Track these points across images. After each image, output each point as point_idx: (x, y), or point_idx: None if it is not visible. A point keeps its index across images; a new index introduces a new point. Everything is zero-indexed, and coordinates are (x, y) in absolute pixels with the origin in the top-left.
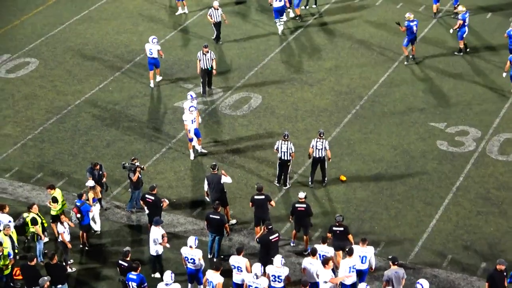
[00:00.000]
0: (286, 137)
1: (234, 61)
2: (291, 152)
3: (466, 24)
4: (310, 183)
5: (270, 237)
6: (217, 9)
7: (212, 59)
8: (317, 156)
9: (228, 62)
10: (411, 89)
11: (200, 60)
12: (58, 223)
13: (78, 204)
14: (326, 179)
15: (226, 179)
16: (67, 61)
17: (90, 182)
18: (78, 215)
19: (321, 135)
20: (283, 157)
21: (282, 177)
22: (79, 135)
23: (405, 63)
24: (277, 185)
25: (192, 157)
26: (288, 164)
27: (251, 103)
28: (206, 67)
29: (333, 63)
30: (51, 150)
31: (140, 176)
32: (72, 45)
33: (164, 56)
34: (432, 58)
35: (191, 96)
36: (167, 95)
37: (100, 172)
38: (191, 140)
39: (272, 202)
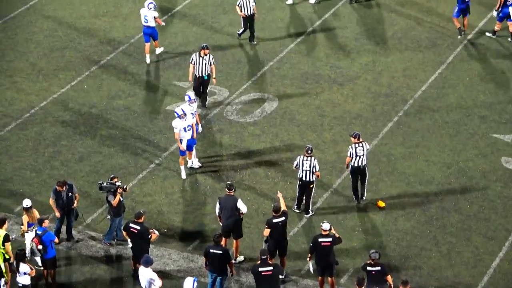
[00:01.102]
0: (309, 152)
1: (243, 53)
2: (315, 170)
3: (508, 2)
4: (354, 198)
5: (260, 269)
6: (250, 1)
7: (210, 65)
8: (357, 165)
9: (236, 54)
10: (469, 90)
11: (194, 64)
12: (21, 263)
13: (39, 232)
14: (365, 194)
15: (241, 206)
16: (31, 51)
17: (26, 202)
18: (40, 247)
19: (358, 137)
20: (304, 177)
21: (304, 202)
22: (45, 146)
23: (459, 36)
24: (297, 211)
25: (183, 175)
26: (311, 186)
27: (264, 107)
28: (201, 75)
29: (370, 57)
30: (8, 165)
31: (121, 199)
32: (37, 30)
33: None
34: (500, 48)
35: (189, 97)
36: (157, 95)
37: (70, 194)
38: (183, 153)
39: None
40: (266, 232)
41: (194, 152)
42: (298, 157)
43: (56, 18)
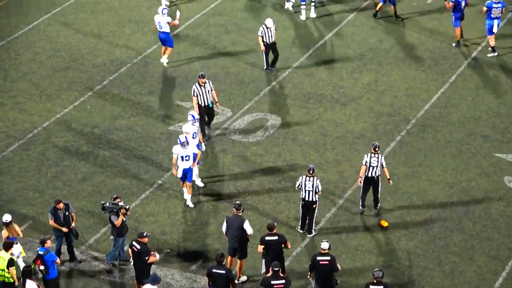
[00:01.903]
0: (311, 172)
1: (246, 73)
2: (317, 190)
3: (492, 15)
4: (361, 207)
5: (272, 282)
6: (270, 28)
7: (211, 91)
8: (371, 175)
9: (239, 74)
10: (472, 110)
11: (196, 95)
12: (27, 280)
13: (41, 252)
14: (379, 204)
15: (247, 228)
16: (34, 72)
17: (6, 216)
18: (42, 267)
19: (376, 149)
20: (307, 198)
21: (307, 222)
22: (48, 166)
23: (454, 44)
24: (300, 231)
25: (186, 196)
26: (314, 206)
27: (267, 127)
28: (206, 103)
29: (372, 76)
30: (11, 185)
31: (124, 219)
32: (40, 51)
33: (155, 69)
34: (503, 67)
35: (192, 117)
36: (160, 116)
37: (67, 213)
38: (182, 179)
39: (288, 244)
40: (260, 248)
41: (197, 171)
42: (301, 177)
43: (59, 39)
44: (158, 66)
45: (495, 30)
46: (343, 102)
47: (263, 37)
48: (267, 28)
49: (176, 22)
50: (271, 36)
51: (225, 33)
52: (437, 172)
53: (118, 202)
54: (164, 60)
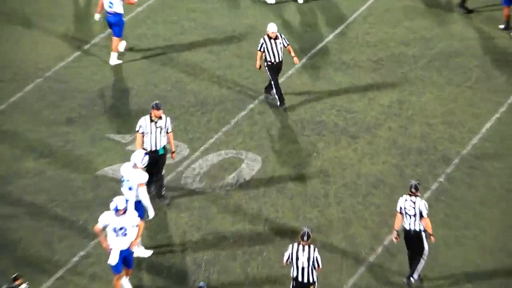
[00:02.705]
0: (305, 238)
1: (211, 92)
2: (316, 266)
3: None
4: (405, 279)
5: None
6: (275, 40)
7: (167, 132)
8: (408, 228)
9: (200, 93)
10: None
11: (142, 133)
12: None
13: None
14: (418, 275)
15: None
16: None
17: None
18: None
19: (413, 190)
20: (301, 277)
21: None
22: None
23: (501, 26)
24: None
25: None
26: None
27: (241, 171)
28: (155, 148)
29: (394, 95)
30: None
31: None
32: None
33: (76, 86)
34: None
35: (139, 158)
36: (84, 154)
37: None
38: (116, 269)
39: None
40: None
41: (139, 239)
42: (290, 246)
43: None
44: (81, 82)
45: None
46: (353, 134)
47: (264, 52)
48: (270, 38)
49: (134, 1)
50: (277, 53)
51: (181, 34)
52: (492, 236)
53: (19, 284)
54: (113, 61)
